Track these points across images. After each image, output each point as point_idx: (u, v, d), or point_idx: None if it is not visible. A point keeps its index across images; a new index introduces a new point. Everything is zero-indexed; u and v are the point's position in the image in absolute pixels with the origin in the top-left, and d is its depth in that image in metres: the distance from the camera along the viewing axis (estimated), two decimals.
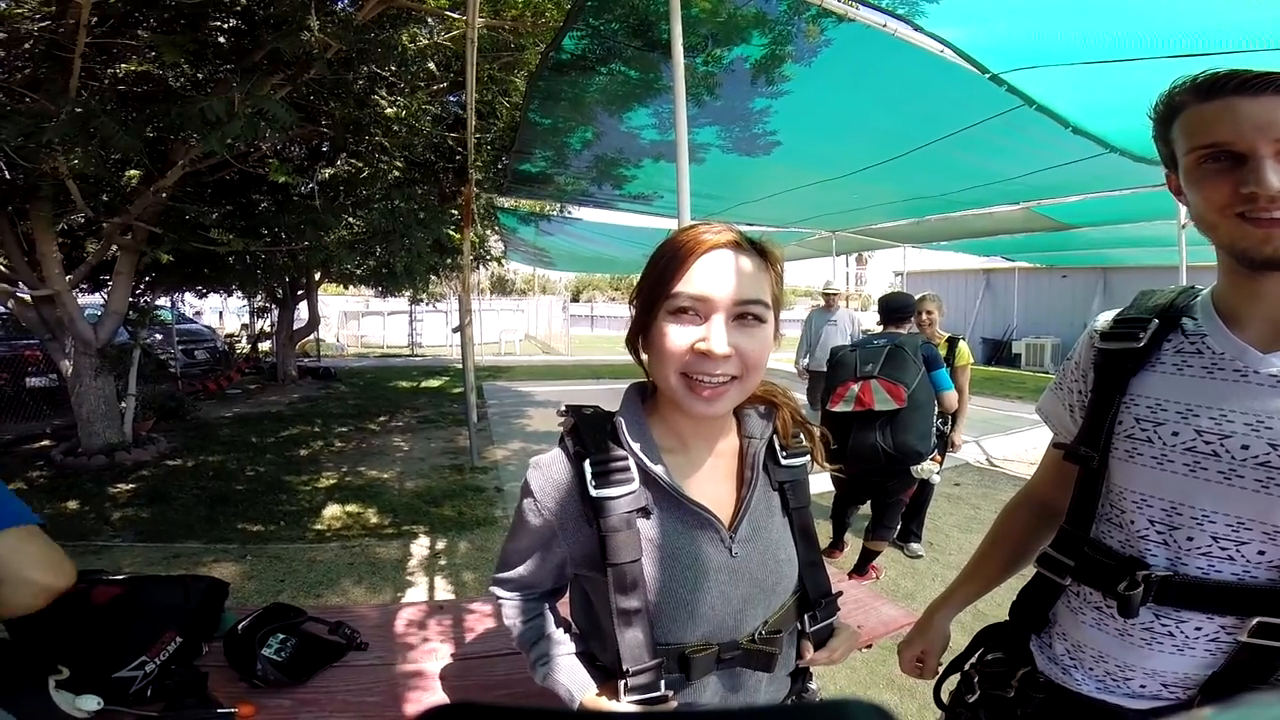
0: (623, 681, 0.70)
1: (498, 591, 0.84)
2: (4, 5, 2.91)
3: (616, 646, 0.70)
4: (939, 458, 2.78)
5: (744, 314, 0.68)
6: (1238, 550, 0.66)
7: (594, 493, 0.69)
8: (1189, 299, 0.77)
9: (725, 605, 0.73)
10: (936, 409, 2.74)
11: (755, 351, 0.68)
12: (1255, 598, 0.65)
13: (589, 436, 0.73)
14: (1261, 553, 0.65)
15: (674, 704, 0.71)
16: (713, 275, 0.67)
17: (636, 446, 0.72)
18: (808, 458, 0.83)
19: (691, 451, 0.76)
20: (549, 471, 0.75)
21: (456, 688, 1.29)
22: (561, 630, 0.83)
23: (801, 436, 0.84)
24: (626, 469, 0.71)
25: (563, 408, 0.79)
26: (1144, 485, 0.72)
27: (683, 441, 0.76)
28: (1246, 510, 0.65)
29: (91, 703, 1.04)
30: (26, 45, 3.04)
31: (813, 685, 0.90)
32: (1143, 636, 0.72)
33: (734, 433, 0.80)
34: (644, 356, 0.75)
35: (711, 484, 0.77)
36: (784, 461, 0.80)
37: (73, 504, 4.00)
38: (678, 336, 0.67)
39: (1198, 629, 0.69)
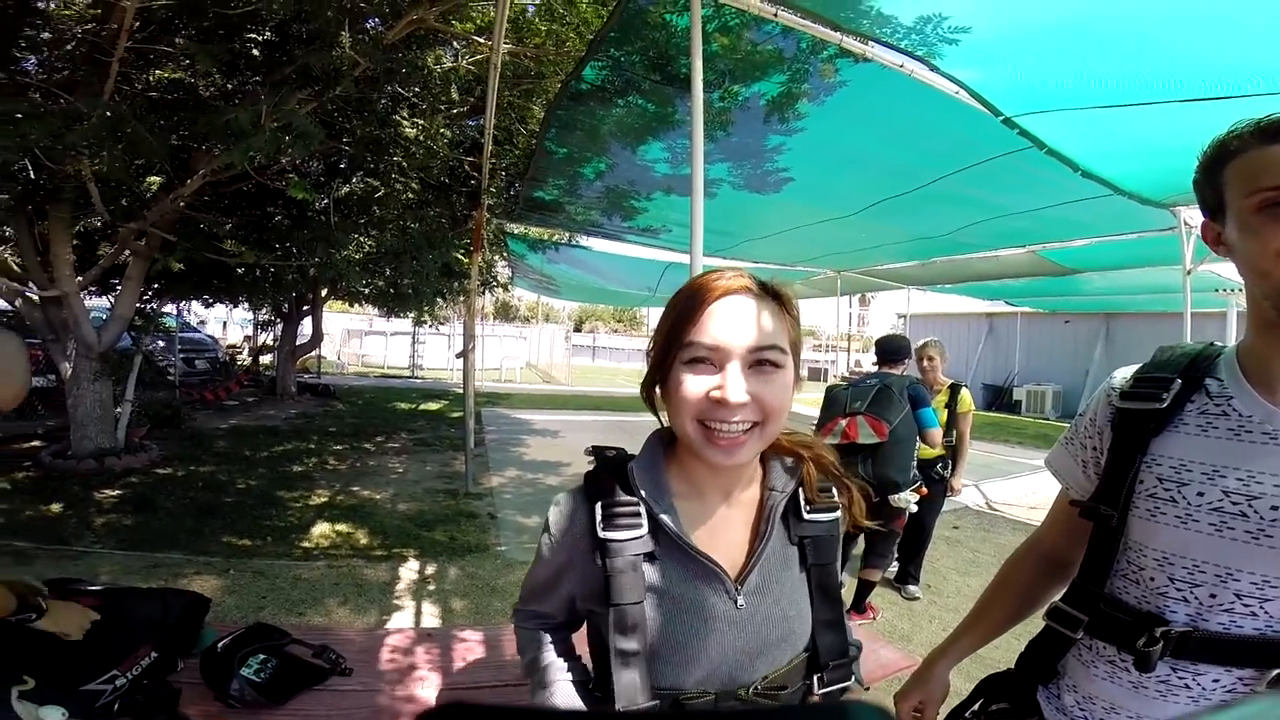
0: None
1: (516, 620, 0.87)
2: (53, 5, 2.99)
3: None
4: (923, 490, 2.91)
5: (760, 360, 0.67)
6: (1261, 607, 0.66)
7: (601, 534, 0.71)
8: (1211, 357, 0.76)
9: (723, 654, 0.72)
10: (918, 445, 2.89)
11: (774, 398, 0.68)
12: (1277, 651, 0.66)
13: (605, 480, 0.75)
14: None
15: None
16: (727, 323, 0.67)
17: (647, 493, 0.73)
18: (838, 513, 0.80)
19: (707, 500, 0.76)
20: (565, 510, 0.77)
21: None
22: (564, 660, 0.82)
23: (833, 491, 0.81)
24: (636, 514, 0.72)
25: (589, 447, 0.81)
26: (1166, 543, 0.72)
27: (699, 489, 0.76)
28: (1274, 569, 0.66)
29: (55, 715, 0.98)
30: (69, 46, 3.11)
31: None
32: (1158, 689, 0.71)
33: (756, 483, 0.79)
34: (659, 406, 0.76)
35: (725, 533, 0.76)
36: (807, 516, 0.78)
37: (56, 506, 3.92)
38: (693, 385, 0.67)
39: (1215, 680, 0.69)
